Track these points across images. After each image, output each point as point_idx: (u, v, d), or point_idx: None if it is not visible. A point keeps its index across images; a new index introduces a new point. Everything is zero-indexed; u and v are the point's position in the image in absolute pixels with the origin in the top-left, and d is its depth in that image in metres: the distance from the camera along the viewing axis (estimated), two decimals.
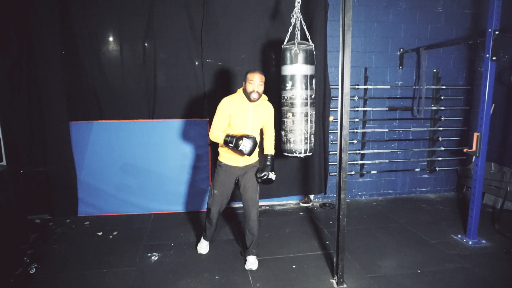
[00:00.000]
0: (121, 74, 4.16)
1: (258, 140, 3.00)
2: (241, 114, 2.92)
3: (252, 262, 3.09)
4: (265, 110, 3.04)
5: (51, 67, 3.92)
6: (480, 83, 3.68)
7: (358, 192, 4.95)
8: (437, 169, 5.05)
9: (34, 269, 3.03)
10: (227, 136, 2.89)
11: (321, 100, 4.34)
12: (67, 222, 4.08)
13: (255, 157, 3.11)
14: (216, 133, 2.95)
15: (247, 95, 2.91)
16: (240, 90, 3.01)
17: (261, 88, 2.91)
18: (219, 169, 3.11)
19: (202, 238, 3.40)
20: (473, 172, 3.49)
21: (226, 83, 4.20)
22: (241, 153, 2.89)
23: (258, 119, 2.99)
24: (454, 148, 5.03)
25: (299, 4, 3.05)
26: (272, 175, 3.03)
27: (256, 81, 2.87)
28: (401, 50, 4.74)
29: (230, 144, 2.87)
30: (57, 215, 4.17)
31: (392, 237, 3.70)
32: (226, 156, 3.05)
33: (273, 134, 3.17)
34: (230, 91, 4.17)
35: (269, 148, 3.14)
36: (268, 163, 3.06)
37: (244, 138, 2.83)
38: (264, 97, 3.04)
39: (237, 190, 3.25)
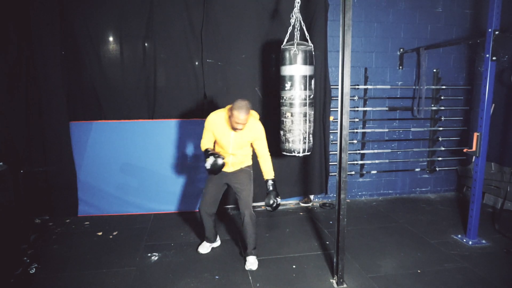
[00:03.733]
0: (121, 74, 4.16)
1: (247, 153, 3.05)
2: (223, 133, 2.96)
3: (251, 263, 3.09)
4: (250, 132, 2.95)
5: (51, 67, 3.92)
6: (480, 83, 3.68)
7: (358, 192, 4.94)
8: (437, 169, 5.04)
9: (34, 269, 3.02)
10: (206, 150, 3.00)
11: (322, 100, 4.34)
12: (67, 222, 4.08)
13: (247, 162, 3.12)
14: (202, 143, 3.08)
15: (231, 125, 2.87)
16: (228, 108, 2.94)
17: (245, 125, 2.84)
18: None
19: (204, 239, 3.42)
20: (473, 172, 3.49)
21: (226, 83, 4.20)
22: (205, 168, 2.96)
23: (240, 140, 2.96)
24: (454, 148, 5.02)
25: (299, 4, 3.05)
26: (279, 200, 3.00)
27: (241, 122, 2.79)
28: (401, 50, 4.73)
29: (204, 157, 2.99)
30: (57, 215, 4.16)
31: (392, 237, 3.70)
32: None
33: (268, 155, 3.05)
34: (230, 91, 4.18)
35: (268, 172, 3.04)
36: (271, 188, 3.00)
37: (210, 156, 2.91)
38: (252, 118, 2.97)
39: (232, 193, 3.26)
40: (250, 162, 3.15)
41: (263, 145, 3.03)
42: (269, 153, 3.06)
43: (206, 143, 3.03)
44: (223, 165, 2.92)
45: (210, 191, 3.15)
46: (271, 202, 2.96)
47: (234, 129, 2.86)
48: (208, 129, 3.00)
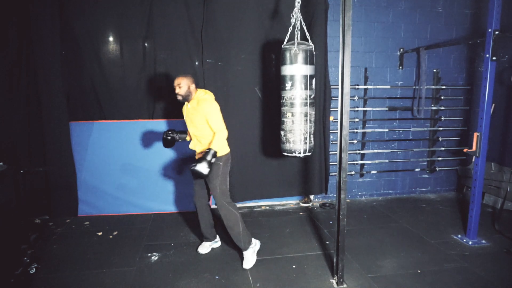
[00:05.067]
0: (121, 74, 4.16)
1: (207, 136, 3.05)
2: (184, 115, 3.20)
3: (246, 259, 3.10)
4: (198, 109, 3.00)
5: (51, 67, 3.92)
6: (480, 83, 3.68)
7: (358, 192, 4.94)
8: (437, 169, 5.04)
9: (34, 269, 3.03)
10: None
11: (321, 100, 4.34)
12: (67, 222, 4.08)
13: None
14: None
15: None
16: None
17: (180, 90, 3.01)
18: None
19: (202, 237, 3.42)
20: (473, 172, 3.49)
21: (226, 83, 4.19)
22: None
23: (193, 118, 3.06)
24: (454, 148, 5.03)
25: (299, 4, 3.04)
26: (201, 167, 2.85)
27: (175, 84, 3.03)
28: (401, 50, 4.74)
29: None
30: (57, 215, 4.16)
31: (392, 237, 3.70)
32: None
33: (217, 131, 2.98)
34: (229, 91, 4.18)
35: (210, 143, 3.00)
36: (203, 155, 2.92)
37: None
38: (202, 94, 3.05)
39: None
40: (219, 153, 3.07)
41: (212, 121, 2.98)
42: (221, 131, 2.99)
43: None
44: (169, 139, 3.26)
45: (195, 180, 3.26)
46: (191, 165, 2.90)
47: (176, 95, 3.04)
48: None
